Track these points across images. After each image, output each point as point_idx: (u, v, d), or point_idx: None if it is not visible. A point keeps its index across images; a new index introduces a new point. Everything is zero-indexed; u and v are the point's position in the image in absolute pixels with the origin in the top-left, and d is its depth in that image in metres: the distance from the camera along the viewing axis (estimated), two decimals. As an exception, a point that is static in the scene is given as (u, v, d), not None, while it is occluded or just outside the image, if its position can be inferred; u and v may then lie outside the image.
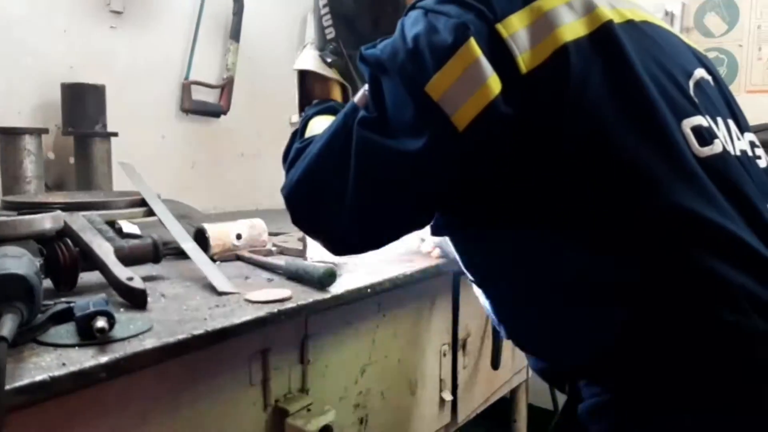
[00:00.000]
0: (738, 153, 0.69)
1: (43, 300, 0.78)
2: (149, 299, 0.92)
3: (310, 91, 1.08)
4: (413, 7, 0.74)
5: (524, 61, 0.64)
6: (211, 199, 2.11)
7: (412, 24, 0.70)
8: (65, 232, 1.04)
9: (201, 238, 1.27)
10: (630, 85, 0.65)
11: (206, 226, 1.28)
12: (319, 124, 0.91)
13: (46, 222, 0.96)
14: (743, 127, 0.77)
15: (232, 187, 2.19)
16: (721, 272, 0.59)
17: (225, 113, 2.09)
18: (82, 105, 1.59)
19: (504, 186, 0.68)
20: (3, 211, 1.25)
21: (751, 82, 2.18)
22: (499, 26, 0.65)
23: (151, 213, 1.30)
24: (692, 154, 0.64)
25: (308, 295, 0.97)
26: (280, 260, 1.15)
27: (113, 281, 0.92)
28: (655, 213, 0.61)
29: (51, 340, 0.73)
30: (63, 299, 0.86)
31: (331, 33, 1.00)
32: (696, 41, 2.20)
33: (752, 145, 0.76)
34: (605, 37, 0.66)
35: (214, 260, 1.25)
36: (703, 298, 0.59)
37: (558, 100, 0.65)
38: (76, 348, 0.71)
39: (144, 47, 1.87)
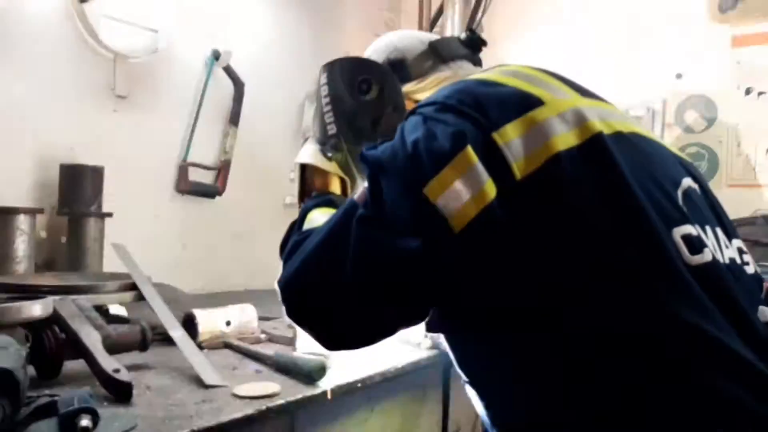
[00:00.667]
0: (727, 261, 0.71)
1: (27, 390, 0.76)
2: (134, 392, 0.90)
3: (310, 183, 1.10)
4: (413, 112, 0.77)
5: (519, 167, 0.67)
6: (201, 278, 2.10)
7: (411, 129, 0.72)
8: (54, 318, 1.03)
9: (190, 325, 1.26)
10: (620, 193, 0.67)
11: (195, 312, 1.28)
12: (318, 217, 0.92)
13: (35, 309, 0.96)
14: (731, 233, 0.79)
15: (224, 267, 2.18)
16: (720, 388, 0.59)
17: (221, 194, 2.12)
18: (80, 186, 1.61)
19: (500, 289, 0.69)
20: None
21: (732, 176, 2.26)
22: (495, 135, 0.68)
23: (141, 297, 1.29)
24: (684, 263, 0.65)
25: (297, 390, 0.95)
26: (269, 350, 1.14)
27: (99, 372, 0.91)
28: (654, 324, 0.62)
29: (32, 438, 0.71)
30: (47, 391, 0.84)
31: (332, 129, 1.03)
32: (677, 137, 2.31)
33: (740, 251, 0.78)
34: (596, 148, 0.69)
35: (202, 347, 1.24)
36: (700, 412, 0.59)
37: (551, 206, 0.66)
38: (58, 448, 0.69)
39: (145, 129, 1.92)
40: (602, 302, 0.64)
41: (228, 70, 2.13)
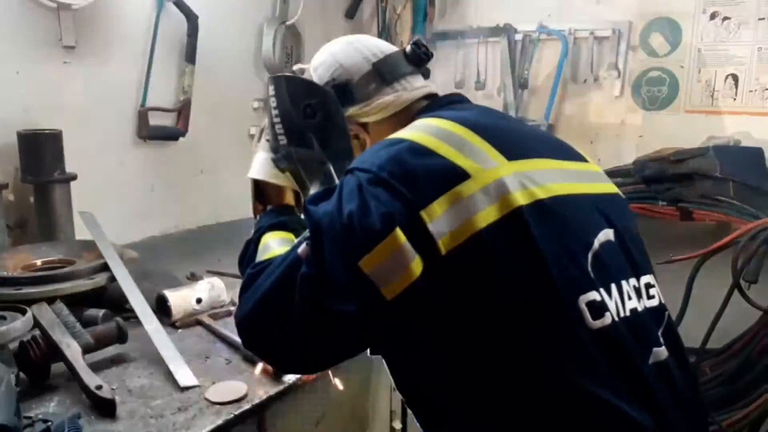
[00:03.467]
0: (628, 314, 0.81)
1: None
2: (117, 398, 1.02)
3: (264, 194, 1.15)
4: (350, 171, 0.82)
5: (443, 243, 0.74)
6: (171, 219, 2.17)
7: (347, 197, 0.78)
8: (35, 325, 1.12)
9: (162, 306, 1.37)
10: (534, 267, 0.75)
11: (167, 293, 1.37)
12: (272, 244, 1.00)
13: (18, 329, 1.05)
14: (641, 271, 0.88)
15: (193, 205, 2.25)
16: None
17: (183, 135, 2.12)
18: (40, 154, 1.62)
19: (427, 341, 0.80)
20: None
21: (691, 102, 2.30)
22: (423, 213, 0.75)
23: (113, 279, 1.38)
24: (587, 329, 0.76)
25: (263, 389, 1.09)
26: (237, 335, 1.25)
27: (83, 388, 1.02)
28: (545, 389, 0.74)
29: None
30: (40, 415, 0.96)
31: (283, 140, 1.07)
32: (641, 60, 2.31)
33: (647, 286, 0.88)
34: (514, 222, 0.76)
35: (176, 327, 1.35)
36: None
37: (472, 279, 0.75)
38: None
39: (98, 79, 1.87)
40: (508, 365, 0.75)
41: (179, 5, 2.03)
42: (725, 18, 2.18)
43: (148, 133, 2.01)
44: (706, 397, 1.95)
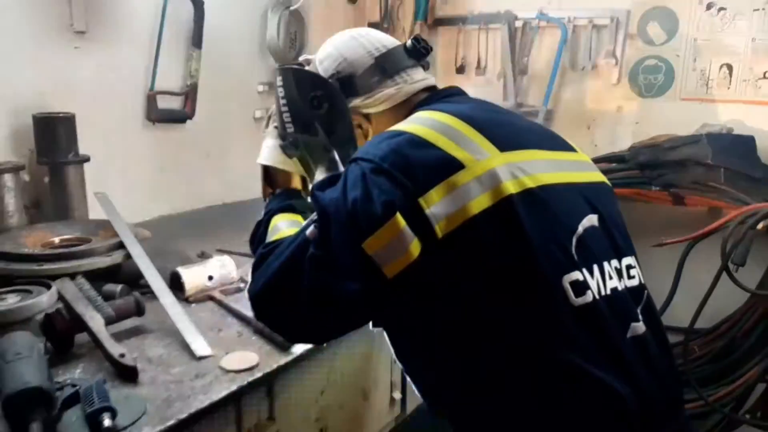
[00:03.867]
0: (608, 292, 0.88)
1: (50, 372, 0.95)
2: (138, 366, 1.09)
3: (273, 178, 1.22)
4: (354, 160, 0.89)
5: (440, 227, 0.82)
6: (180, 199, 2.23)
7: (352, 185, 0.85)
8: (59, 299, 1.19)
9: (176, 282, 1.44)
10: (522, 250, 0.83)
11: (180, 270, 1.44)
12: (281, 225, 1.07)
13: (44, 302, 1.12)
14: (623, 253, 0.95)
15: (201, 186, 2.31)
16: (584, 407, 0.81)
17: (191, 118, 2.18)
18: (55, 137, 1.68)
19: (426, 315, 0.87)
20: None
21: (686, 90, 2.35)
22: (421, 200, 0.82)
23: (129, 256, 1.45)
24: (570, 305, 0.83)
25: (273, 359, 1.16)
26: (248, 310, 1.32)
27: (107, 356, 1.09)
28: (531, 360, 0.81)
29: (67, 433, 0.91)
30: (68, 378, 1.03)
31: (290, 128, 1.13)
32: (638, 48, 2.36)
33: (628, 267, 0.95)
34: (505, 210, 0.83)
35: (189, 302, 1.43)
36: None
37: (466, 260, 0.83)
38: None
39: (109, 63, 1.93)
40: (498, 338, 0.83)
41: (186, -10, 2.08)
42: (721, 8, 2.22)
43: (157, 116, 2.07)
44: (695, 375, 2.04)
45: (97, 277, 1.37)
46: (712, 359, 2.08)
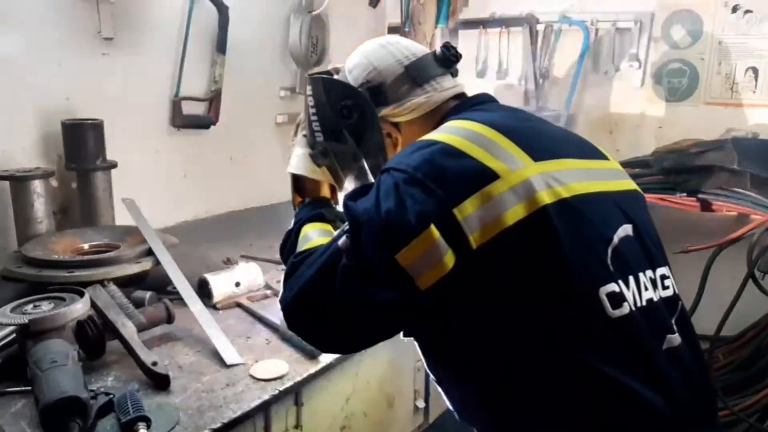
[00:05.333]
0: (644, 303, 0.88)
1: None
2: (170, 374, 1.11)
3: (303, 187, 1.23)
4: (387, 170, 0.89)
5: (474, 238, 0.81)
6: (203, 204, 2.25)
7: (384, 195, 0.85)
8: (91, 306, 1.21)
9: (204, 289, 1.45)
10: (557, 261, 0.82)
11: (208, 277, 1.45)
12: (311, 234, 1.07)
13: (78, 310, 1.13)
14: (657, 264, 0.95)
15: (223, 191, 2.32)
16: (618, 416, 0.80)
17: (214, 124, 2.20)
18: (83, 143, 1.70)
19: (460, 325, 0.87)
20: (23, 267, 1.40)
21: (710, 94, 2.33)
22: (455, 211, 0.81)
23: (158, 263, 1.46)
24: (607, 317, 0.83)
25: (302, 367, 1.17)
26: (275, 312, 1.32)
27: (140, 364, 1.10)
28: (567, 372, 0.81)
29: (102, 442, 0.93)
30: (102, 388, 1.05)
31: (320, 137, 1.13)
32: (663, 53, 2.34)
33: (662, 278, 0.94)
34: (540, 220, 0.82)
35: (217, 309, 1.44)
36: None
37: (501, 270, 0.82)
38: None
39: (135, 69, 1.95)
40: (534, 350, 0.83)
41: (211, -4, 2.09)
42: (747, 11, 2.20)
43: (182, 122, 2.09)
44: (720, 383, 2.01)
45: (125, 284, 1.39)
46: (738, 367, 2.06)
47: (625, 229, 0.91)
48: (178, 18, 2.05)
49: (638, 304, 0.87)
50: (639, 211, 0.97)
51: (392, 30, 2.86)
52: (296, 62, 2.48)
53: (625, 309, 0.84)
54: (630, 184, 1.02)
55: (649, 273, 0.92)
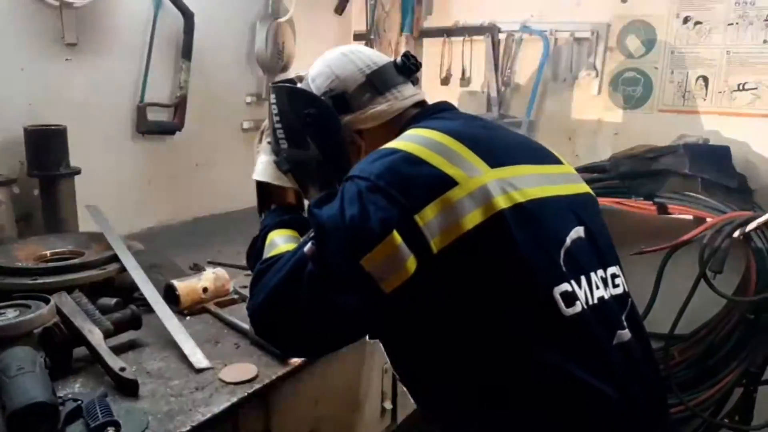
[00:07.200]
0: (595, 302, 0.93)
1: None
2: (138, 379, 1.11)
3: (268, 193, 1.24)
4: (350, 178, 0.92)
5: (435, 244, 0.85)
6: (168, 210, 2.24)
7: (349, 202, 0.88)
8: (57, 313, 1.20)
9: (171, 294, 1.45)
10: (514, 264, 0.87)
11: (175, 283, 1.45)
12: (277, 241, 1.10)
13: (44, 317, 1.13)
14: (608, 263, 1.00)
15: (188, 197, 2.32)
16: (574, 408, 0.85)
17: (180, 130, 2.19)
18: (46, 149, 1.68)
19: (422, 327, 0.91)
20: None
21: (664, 102, 2.43)
22: (417, 217, 0.85)
23: (123, 269, 1.46)
24: (561, 315, 0.87)
25: (271, 370, 1.18)
26: (244, 322, 1.34)
27: (108, 370, 1.10)
28: (524, 368, 0.85)
29: (70, 449, 0.93)
30: (69, 395, 1.04)
31: (284, 144, 1.16)
32: (619, 62, 2.43)
33: (613, 277, 1.00)
34: (497, 225, 0.87)
35: (184, 314, 1.44)
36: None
37: (460, 273, 0.86)
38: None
39: (99, 75, 1.93)
40: (493, 348, 0.87)
41: (176, 2, 2.09)
42: (697, 22, 2.31)
43: (146, 128, 2.08)
44: (675, 380, 2.10)
45: (90, 291, 1.38)
46: (692, 364, 2.15)
47: (577, 231, 0.97)
48: (142, 24, 2.04)
49: (590, 303, 0.92)
50: (591, 213, 1.03)
51: (358, 37, 2.89)
52: (262, 68, 2.50)
53: (578, 307, 0.89)
54: (583, 188, 1.08)
55: (600, 272, 0.97)
